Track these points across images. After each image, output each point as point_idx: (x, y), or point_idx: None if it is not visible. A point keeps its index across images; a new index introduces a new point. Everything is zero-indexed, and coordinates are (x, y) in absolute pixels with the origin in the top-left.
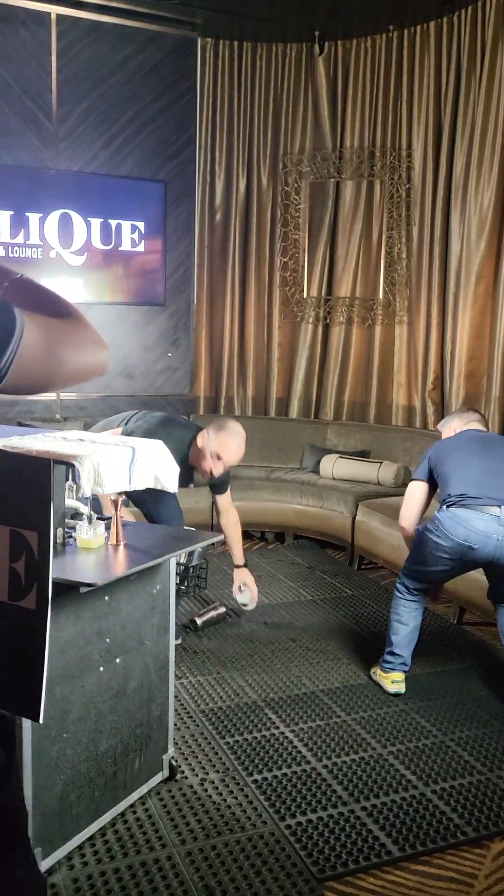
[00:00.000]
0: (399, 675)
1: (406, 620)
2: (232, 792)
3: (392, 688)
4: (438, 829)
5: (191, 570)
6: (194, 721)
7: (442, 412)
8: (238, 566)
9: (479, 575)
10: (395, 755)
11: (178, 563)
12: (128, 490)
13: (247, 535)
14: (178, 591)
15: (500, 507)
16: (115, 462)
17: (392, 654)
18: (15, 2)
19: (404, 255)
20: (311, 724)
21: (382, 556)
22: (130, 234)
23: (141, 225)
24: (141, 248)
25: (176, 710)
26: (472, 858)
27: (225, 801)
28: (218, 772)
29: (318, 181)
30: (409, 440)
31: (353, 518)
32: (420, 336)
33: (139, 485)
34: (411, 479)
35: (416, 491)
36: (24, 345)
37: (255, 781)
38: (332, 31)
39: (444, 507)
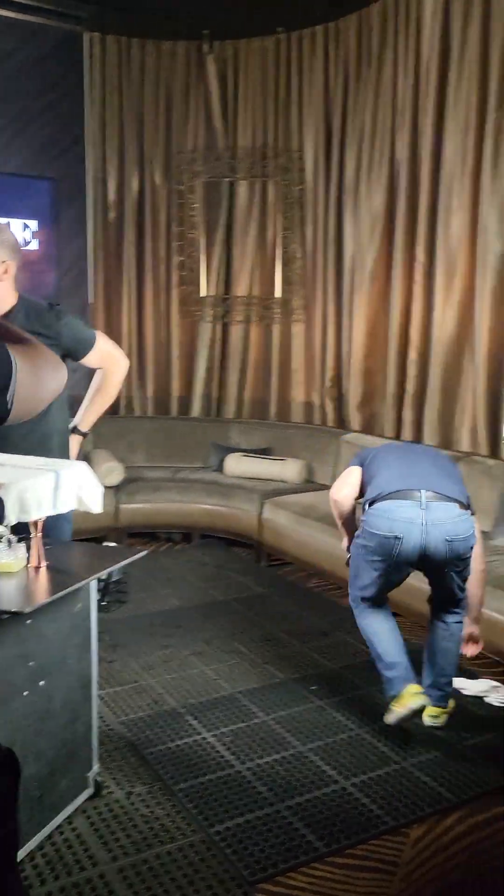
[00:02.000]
0: (415, 688)
1: (377, 627)
2: (160, 803)
3: (416, 703)
4: (360, 821)
5: (111, 586)
6: (116, 733)
7: (340, 409)
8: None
9: None
10: (315, 752)
11: (98, 580)
12: (52, 514)
13: (153, 536)
14: (99, 607)
15: (419, 491)
16: (41, 488)
17: (389, 667)
18: None
19: (299, 254)
20: (233, 727)
21: (290, 552)
22: (20, 232)
23: (32, 223)
24: (32, 246)
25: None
26: (393, 846)
27: (153, 812)
28: (144, 784)
29: (213, 180)
30: (311, 437)
31: (260, 516)
32: (317, 334)
33: (64, 508)
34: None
35: (355, 472)
36: (18, 378)
37: (182, 790)
38: (221, 29)
39: (367, 506)
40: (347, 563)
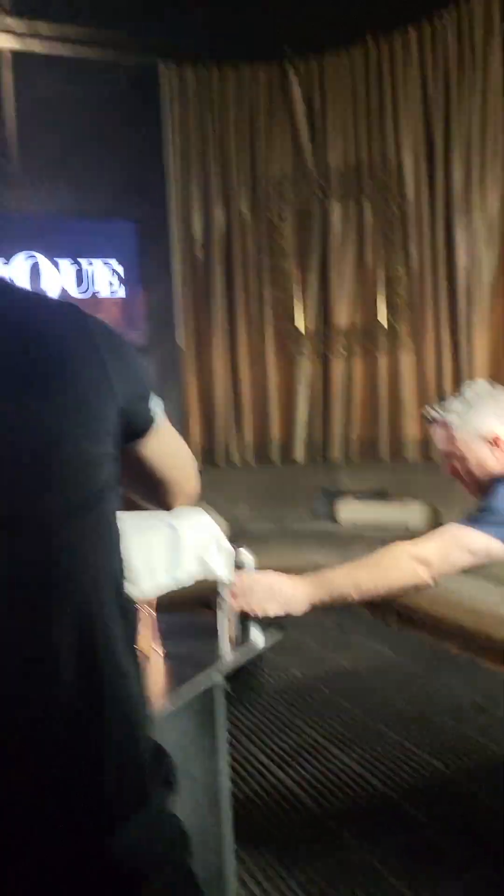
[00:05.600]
0: None
1: None
2: None
3: None
4: None
5: (241, 671)
6: (249, 853)
7: None
8: None
9: None
10: None
11: None
12: (170, 587)
13: None
14: (227, 698)
15: None
16: (152, 551)
17: None
18: None
19: (404, 277)
20: (398, 841)
21: (422, 609)
22: (106, 277)
23: (116, 266)
24: (117, 290)
25: None
26: None
27: None
28: None
29: (303, 206)
30: (432, 476)
31: None
32: (430, 362)
33: (186, 577)
34: None
35: None
36: None
37: None
38: (304, 44)
39: None
40: None
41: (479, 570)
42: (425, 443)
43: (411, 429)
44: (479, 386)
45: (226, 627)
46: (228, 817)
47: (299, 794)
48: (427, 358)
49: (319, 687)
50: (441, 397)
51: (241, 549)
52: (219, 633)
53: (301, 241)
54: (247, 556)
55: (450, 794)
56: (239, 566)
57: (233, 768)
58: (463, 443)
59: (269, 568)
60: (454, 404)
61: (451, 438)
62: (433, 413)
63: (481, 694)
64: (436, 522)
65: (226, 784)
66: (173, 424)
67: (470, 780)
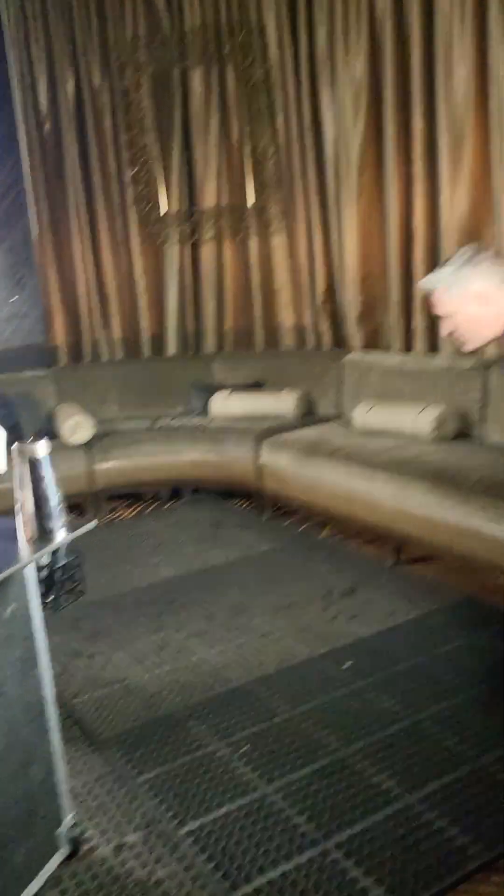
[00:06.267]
0: None
1: None
2: (160, 858)
3: None
4: (440, 857)
5: (56, 573)
6: (100, 756)
7: (337, 327)
8: None
9: (415, 507)
10: (362, 755)
11: (38, 568)
12: None
13: (136, 496)
14: (44, 606)
15: None
16: None
17: None
18: None
19: (272, 150)
20: (251, 731)
21: (295, 498)
22: None
23: None
24: None
25: (74, 744)
26: (490, 891)
27: (152, 872)
28: (138, 829)
29: (160, 71)
30: (306, 363)
31: (256, 460)
32: (301, 243)
33: None
34: None
35: None
36: None
37: (191, 833)
38: None
39: None
40: None
41: (349, 456)
42: (300, 330)
43: (285, 316)
44: (462, 251)
45: (23, 527)
46: (55, 727)
47: (159, 692)
48: (298, 239)
49: (188, 584)
50: (312, 281)
51: (35, 443)
52: (17, 534)
53: (160, 113)
54: (40, 448)
55: (312, 681)
56: (30, 459)
57: (91, 672)
58: (456, 304)
59: (139, 464)
60: (444, 269)
61: (444, 302)
62: (426, 284)
63: (349, 578)
64: (310, 409)
65: (49, 694)
66: (35, 320)
67: (330, 663)
